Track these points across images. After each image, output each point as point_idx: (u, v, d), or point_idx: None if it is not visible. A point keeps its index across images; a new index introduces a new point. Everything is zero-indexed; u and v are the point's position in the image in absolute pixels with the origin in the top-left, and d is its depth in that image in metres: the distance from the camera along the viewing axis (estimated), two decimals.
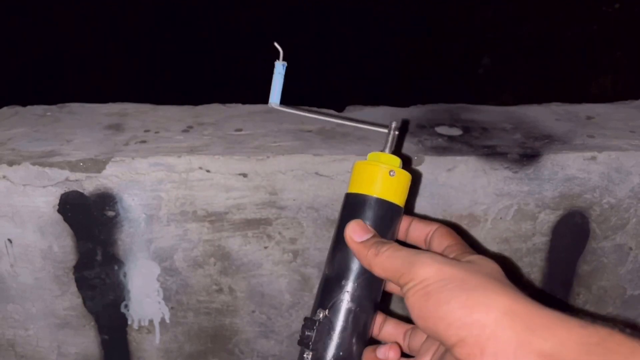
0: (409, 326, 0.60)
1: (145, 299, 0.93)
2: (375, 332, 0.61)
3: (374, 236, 0.54)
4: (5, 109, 1.02)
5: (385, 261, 0.50)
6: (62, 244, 0.87)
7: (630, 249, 0.97)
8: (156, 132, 0.92)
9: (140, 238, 0.87)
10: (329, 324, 0.54)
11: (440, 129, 0.96)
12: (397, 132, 0.59)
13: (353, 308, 0.55)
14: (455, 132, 0.95)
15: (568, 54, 3.59)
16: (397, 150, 0.60)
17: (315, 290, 0.97)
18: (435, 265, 0.45)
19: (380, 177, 0.56)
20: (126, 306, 0.93)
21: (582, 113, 1.05)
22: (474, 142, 0.91)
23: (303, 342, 0.54)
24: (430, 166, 0.86)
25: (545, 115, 1.04)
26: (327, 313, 0.55)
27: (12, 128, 0.93)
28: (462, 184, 0.87)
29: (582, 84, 3.37)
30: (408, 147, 0.88)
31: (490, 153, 0.87)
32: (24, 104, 1.04)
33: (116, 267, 0.89)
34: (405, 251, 0.50)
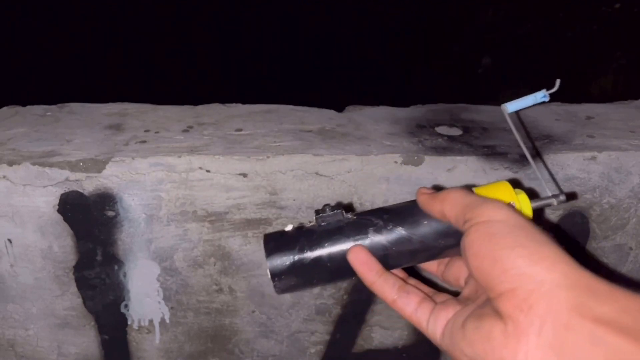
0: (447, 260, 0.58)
1: (145, 298, 0.93)
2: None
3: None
4: (5, 108, 1.02)
5: (457, 195, 0.49)
6: (62, 243, 0.87)
7: (631, 248, 0.97)
8: (156, 132, 0.92)
9: (140, 238, 0.87)
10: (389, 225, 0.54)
11: (440, 129, 0.96)
12: (556, 203, 0.57)
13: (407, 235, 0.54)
14: (455, 132, 0.95)
15: (568, 54, 3.59)
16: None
17: (314, 290, 0.97)
18: (505, 210, 0.44)
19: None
20: (126, 306, 0.93)
21: (581, 113, 1.05)
22: (474, 142, 0.91)
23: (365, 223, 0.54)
24: (430, 166, 0.86)
25: (545, 115, 1.04)
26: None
27: (12, 128, 0.93)
28: (462, 183, 0.88)
29: (582, 84, 3.37)
30: (408, 147, 0.88)
31: (490, 153, 0.87)
32: (24, 104, 1.04)
33: (116, 267, 0.90)
34: (475, 194, 0.49)
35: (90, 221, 0.85)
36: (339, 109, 1.04)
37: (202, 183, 0.84)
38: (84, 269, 0.89)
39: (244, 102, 1.05)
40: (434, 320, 0.51)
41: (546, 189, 0.59)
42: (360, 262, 0.53)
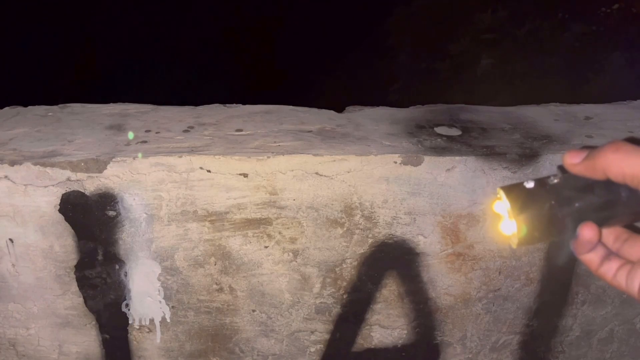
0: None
1: (146, 298, 0.93)
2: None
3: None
4: (7, 109, 1.03)
5: (624, 160, 0.47)
6: (63, 243, 0.87)
7: None
8: (157, 133, 0.92)
9: (141, 238, 0.88)
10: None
11: (440, 129, 0.96)
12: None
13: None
14: (455, 132, 0.95)
15: (567, 54, 3.59)
16: None
17: (314, 290, 0.97)
18: None
19: None
20: (127, 305, 0.94)
21: (580, 113, 1.06)
22: (473, 142, 0.92)
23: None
24: (429, 166, 0.86)
25: (543, 115, 1.04)
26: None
27: (13, 128, 0.94)
28: (461, 184, 0.88)
29: (580, 84, 3.38)
30: (407, 147, 0.88)
31: (489, 153, 0.88)
32: (25, 104, 1.04)
33: (117, 267, 0.90)
34: (635, 148, 0.47)
35: (92, 221, 0.86)
36: (339, 109, 1.04)
37: (203, 183, 0.84)
38: (85, 269, 0.89)
39: (244, 103, 1.06)
40: (632, 279, 0.51)
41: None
42: (585, 241, 0.52)
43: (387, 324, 1.00)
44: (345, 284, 0.95)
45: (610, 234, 0.56)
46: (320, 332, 0.99)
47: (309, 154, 0.84)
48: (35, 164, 0.81)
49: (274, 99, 1.09)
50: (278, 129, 0.94)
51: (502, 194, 0.53)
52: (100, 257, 0.89)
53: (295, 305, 0.96)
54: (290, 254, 0.91)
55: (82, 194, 0.83)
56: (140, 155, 0.83)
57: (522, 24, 3.88)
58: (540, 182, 0.52)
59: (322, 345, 1.01)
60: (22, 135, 0.91)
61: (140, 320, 0.95)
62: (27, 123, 0.96)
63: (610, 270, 0.53)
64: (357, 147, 0.88)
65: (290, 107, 1.05)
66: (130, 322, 0.95)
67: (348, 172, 0.85)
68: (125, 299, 0.93)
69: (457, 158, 0.86)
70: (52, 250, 0.88)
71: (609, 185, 0.50)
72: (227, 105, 1.05)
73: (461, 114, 1.03)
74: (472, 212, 0.91)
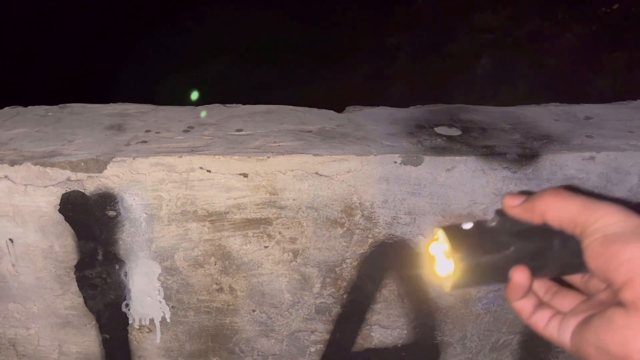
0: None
1: (146, 298, 0.93)
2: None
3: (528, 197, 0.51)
4: (6, 109, 1.03)
5: (563, 204, 0.48)
6: (63, 243, 0.87)
7: None
8: (157, 133, 0.92)
9: (141, 238, 0.88)
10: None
11: (440, 129, 0.96)
12: None
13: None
14: (455, 132, 0.95)
15: (567, 54, 3.59)
16: None
17: (314, 290, 0.97)
18: (617, 213, 0.45)
19: None
20: (127, 305, 0.94)
21: (580, 113, 1.06)
22: (473, 142, 0.92)
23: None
24: (429, 166, 0.86)
25: (543, 115, 1.04)
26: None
27: (13, 128, 0.94)
28: (461, 183, 0.88)
29: (580, 84, 3.38)
30: (407, 147, 0.88)
31: (489, 153, 0.88)
32: (25, 104, 1.04)
33: (117, 267, 0.90)
34: (576, 198, 0.48)
35: (92, 221, 0.86)
36: (339, 109, 1.04)
37: (203, 183, 0.84)
38: (85, 269, 0.89)
39: (244, 103, 1.06)
40: (564, 329, 0.52)
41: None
42: (517, 285, 0.53)
43: (387, 324, 1.00)
44: (345, 284, 0.95)
45: (542, 286, 0.57)
46: (320, 332, 1.00)
47: (309, 154, 0.84)
48: (35, 164, 0.81)
49: (274, 98, 1.09)
50: (278, 128, 0.94)
51: (440, 234, 0.53)
52: (100, 257, 0.89)
53: (295, 305, 0.96)
54: (290, 254, 0.91)
55: (82, 194, 0.83)
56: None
57: (522, 24, 3.88)
58: (478, 224, 0.53)
59: (322, 345, 1.01)
60: (22, 135, 0.91)
61: (140, 320, 0.95)
62: (27, 123, 0.96)
63: (542, 320, 0.53)
64: (357, 147, 0.88)
65: (290, 107, 1.05)
66: (130, 322, 0.95)
67: (348, 172, 0.85)
68: (125, 299, 0.93)
69: (457, 158, 0.86)
70: (52, 250, 0.88)
71: (544, 232, 0.51)
72: (227, 105, 1.05)
73: (461, 114, 1.03)
74: (472, 212, 0.91)
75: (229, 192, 0.85)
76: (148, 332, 0.97)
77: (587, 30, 3.66)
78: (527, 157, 0.88)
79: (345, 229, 0.90)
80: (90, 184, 0.83)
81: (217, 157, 0.83)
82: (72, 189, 0.83)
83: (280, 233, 0.89)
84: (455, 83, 3.79)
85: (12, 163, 0.81)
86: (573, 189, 0.50)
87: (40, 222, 0.85)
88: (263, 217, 0.88)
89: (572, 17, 3.74)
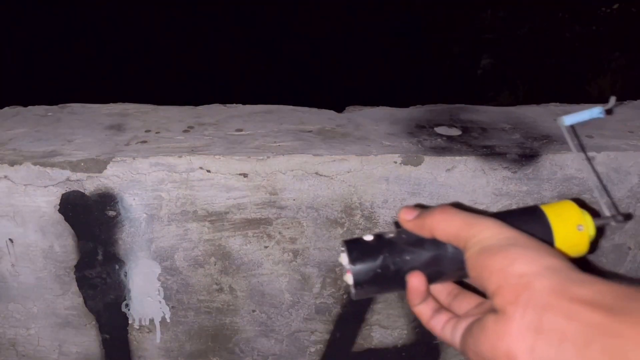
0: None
1: (146, 298, 0.93)
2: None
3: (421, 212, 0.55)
4: (6, 109, 1.03)
5: (445, 222, 0.52)
6: (63, 243, 0.87)
7: (629, 248, 0.98)
8: (157, 132, 0.92)
9: (141, 238, 0.88)
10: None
11: (440, 129, 0.96)
12: (615, 223, 0.58)
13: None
14: (455, 132, 0.95)
15: (567, 54, 3.60)
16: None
17: (314, 290, 0.97)
18: (492, 228, 0.49)
19: (570, 222, 0.55)
20: (127, 305, 0.94)
21: None
22: (473, 142, 0.92)
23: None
24: (429, 166, 0.86)
25: (544, 115, 1.04)
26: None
27: (13, 128, 0.94)
28: (462, 184, 0.88)
29: (580, 85, 3.38)
30: (407, 147, 0.88)
31: (489, 153, 0.88)
32: (25, 104, 1.04)
33: (117, 267, 0.90)
34: (461, 215, 0.52)
35: (91, 221, 0.86)
36: (339, 109, 1.04)
37: (203, 183, 0.84)
38: (85, 269, 0.89)
39: (244, 103, 1.06)
40: (455, 333, 0.55)
41: (603, 208, 0.59)
42: (414, 289, 0.55)
43: (387, 324, 1.00)
44: (345, 284, 0.95)
45: (443, 290, 0.60)
46: (320, 332, 1.00)
47: (309, 154, 0.84)
48: (35, 164, 0.81)
49: (274, 99, 1.09)
50: (278, 128, 0.94)
51: (343, 246, 0.56)
52: (100, 257, 0.89)
53: (295, 305, 0.96)
54: (290, 254, 0.91)
55: (82, 194, 0.83)
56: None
57: (522, 24, 3.88)
58: (378, 236, 0.56)
59: (322, 345, 1.01)
60: (22, 135, 0.91)
61: (140, 320, 0.95)
62: (27, 123, 0.96)
63: (439, 323, 0.57)
64: (357, 147, 0.88)
65: (290, 107, 1.05)
66: (130, 322, 0.95)
67: (348, 172, 0.85)
68: (125, 299, 0.93)
69: (458, 158, 0.86)
70: (52, 250, 0.88)
71: (437, 241, 0.54)
72: (227, 105, 1.05)
73: (461, 114, 1.03)
74: None
75: (229, 192, 0.85)
76: (148, 332, 0.97)
77: (587, 30, 3.66)
78: (527, 157, 0.88)
79: (345, 229, 0.90)
80: (90, 184, 0.83)
81: (217, 157, 0.83)
82: (72, 189, 0.83)
83: (280, 233, 0.89)
84: (455, 83, 3.80)
85: (12, 163, 0.81)
86: (459, 206, 0.55)
87: (40, 222, 0.85)
88: (263, 217, 0.88)
89: (572, 17, 3.74)
